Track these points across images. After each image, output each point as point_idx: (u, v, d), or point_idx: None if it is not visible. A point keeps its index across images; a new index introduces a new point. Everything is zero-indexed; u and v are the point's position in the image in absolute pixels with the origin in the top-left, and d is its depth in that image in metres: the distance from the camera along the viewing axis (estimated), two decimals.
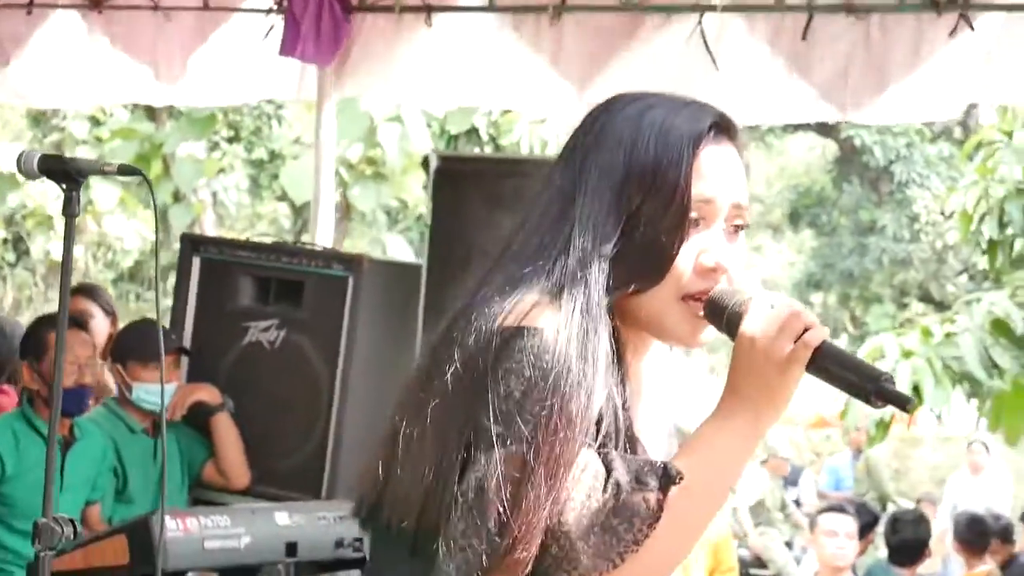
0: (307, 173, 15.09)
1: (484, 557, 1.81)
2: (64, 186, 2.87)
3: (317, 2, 5.90)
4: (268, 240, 5.65)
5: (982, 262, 14.62)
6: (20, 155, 2.91)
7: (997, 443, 14.13)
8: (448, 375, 1.88)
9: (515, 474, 1.81)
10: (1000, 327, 7.67)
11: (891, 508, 11.93)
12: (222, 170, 19.68)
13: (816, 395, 14.42)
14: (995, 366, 7.55)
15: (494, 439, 1.83)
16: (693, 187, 1.94)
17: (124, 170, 2.88)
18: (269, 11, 6.38)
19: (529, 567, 1.83)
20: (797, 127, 22.74)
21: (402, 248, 16.07)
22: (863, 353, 7.88)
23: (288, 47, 5.94)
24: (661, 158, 1.94)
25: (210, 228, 19.20)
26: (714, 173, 1.96)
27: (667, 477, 1.86)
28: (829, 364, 1.90)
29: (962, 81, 5.44)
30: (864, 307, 23.85)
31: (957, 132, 23.73)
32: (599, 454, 1.88)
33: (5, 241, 19.82)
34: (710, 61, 5.63)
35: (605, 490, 1.84)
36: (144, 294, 22.63)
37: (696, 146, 1.95)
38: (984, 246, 8.62)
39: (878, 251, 23.16)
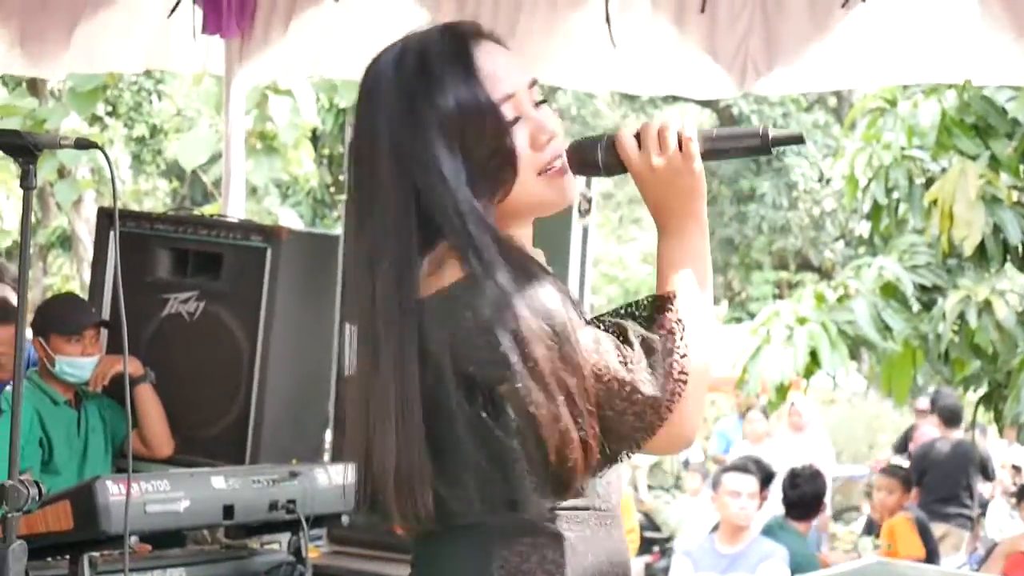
0: (200, 140, 15.02)
1: (545, 485, 2.03)
2: (21, 160, 2.95)
3: None
4: (183, 213, 5.70)
5: (859, 228, 14.93)
6: None
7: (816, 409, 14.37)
8: (392, 368, 2.05)
9: (539, 398, 1.99)
10: (890, 290, 7.94)
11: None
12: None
13: None
14: (887, 328, 7.82)
15: (495, 390, 2.01)
16: (492, 94, 2.11)
17: (81, 144, 2.97)
18: None
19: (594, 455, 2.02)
20: (676, 98, 23.00)
21: (295, 223, 16.06)
22: (759, 320, 8.10)
23: (211, 26, 5.99)
24: (452, 90, 2.10)
25: (91, 205, 18.98)
26: (498, 71, 2.14)
27: (661, 300, 2.10)
28: (717, 143, 2.14)
29: (854, 55, 5.62)
30: (745, 274, 24.26)
31: (832, 101, 24.16)
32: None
33: None
34: (613, 37, 5.77)
35: (631, 346, 2.06)
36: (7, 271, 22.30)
37: (469, 63, 2.12)
38: (867, 212, 8.86)
39: (757, 219, 23.54)
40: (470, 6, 6.07)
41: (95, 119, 19.47)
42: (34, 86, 16.68)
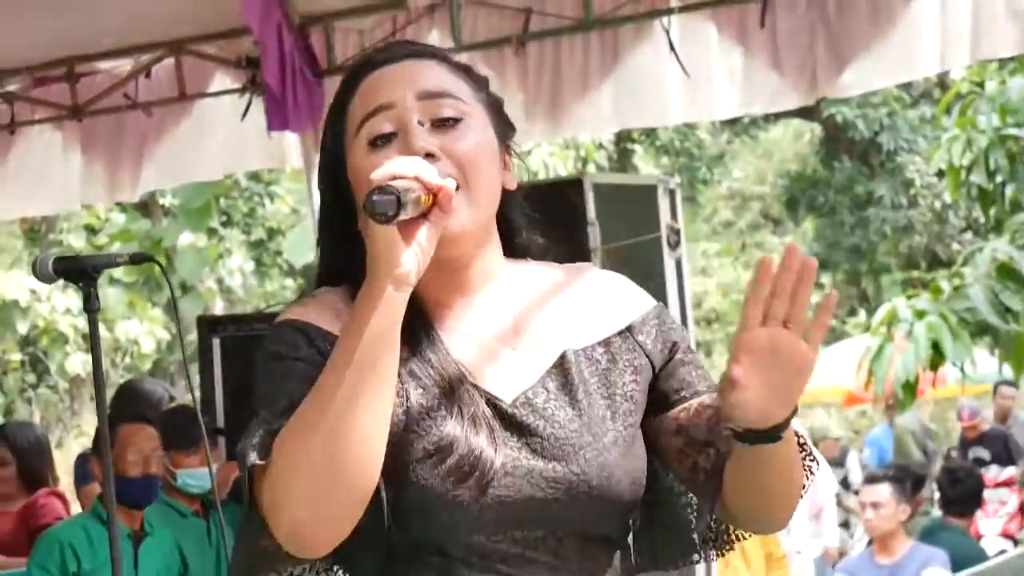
0: (306, 235, 15.14)
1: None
2: (81, 284, 2.98)
3: (290, 72, 6.02)
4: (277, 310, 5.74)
5: (982, 215, 14.65)
6: (34, 261, 3.03)
7: None
8: None
9: None
10: (1005, 271, 7.75)
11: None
12: (220, 256, 19.79)
13: (838, 373, 14.41)
14: (1007, 310, 7.63)
15: None
16: (367, 104, 1.95)
17: (136, 258, 2.99)
18: (243, 90, 6.54)
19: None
20: (779, 116, 22.85)
21: None
22: (878, 318, 7.95)
23: (276, 123, 6.07)
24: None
25: (221, 313, 19.29)
26: (383, 84, 1.96)
27: None
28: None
29: (923, 44, 5.53)
30: (874, 280, 23.89)
31: (936, 93, 23.82)
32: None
33: (23, 363, 19.88)
34: (679, 67, 5.74)
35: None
36: (170, 389, 22.62)
37: (351, 90, 1.99)
38: (976, 197, 8.71)
39: (879, 222, 23.21)
40: (533, 61, 6.09)
41: (211, 232, 19.81)
42: (146, 208, 17.06)
